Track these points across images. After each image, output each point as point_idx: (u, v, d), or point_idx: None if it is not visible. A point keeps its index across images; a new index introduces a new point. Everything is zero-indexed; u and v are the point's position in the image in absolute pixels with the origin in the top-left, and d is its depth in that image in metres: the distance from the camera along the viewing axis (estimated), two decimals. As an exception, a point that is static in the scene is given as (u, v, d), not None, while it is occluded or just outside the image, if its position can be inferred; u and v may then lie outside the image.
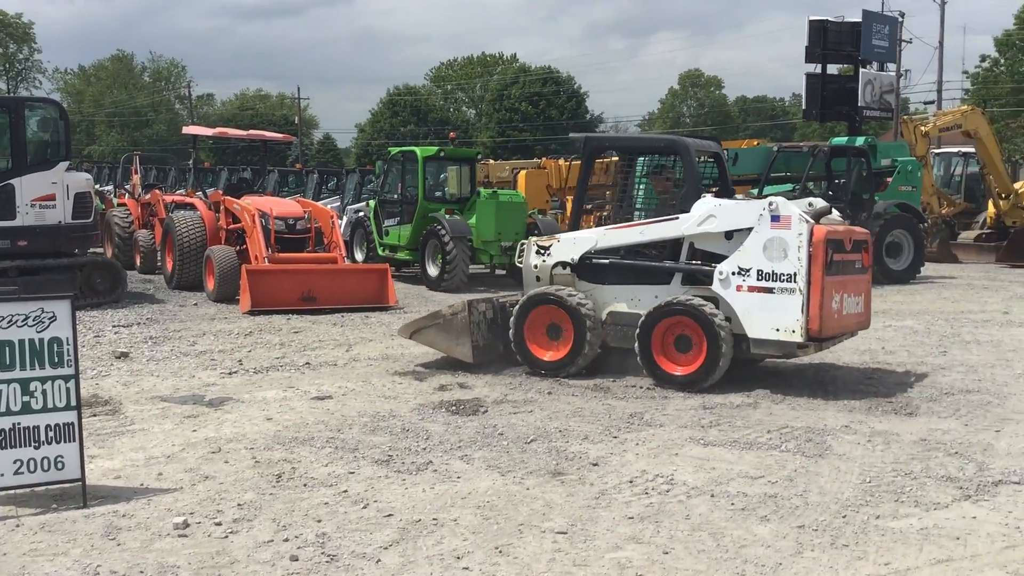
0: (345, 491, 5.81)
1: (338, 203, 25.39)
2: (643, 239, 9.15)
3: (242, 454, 6.60)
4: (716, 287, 8.62)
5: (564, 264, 9.43)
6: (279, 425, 7.40)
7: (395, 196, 18.75)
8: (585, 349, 9.08)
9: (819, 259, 8.23)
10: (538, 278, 9.58)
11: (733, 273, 8.52)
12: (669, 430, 7.36)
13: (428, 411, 7.88)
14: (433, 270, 17.29)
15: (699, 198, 8.96)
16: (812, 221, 8.31)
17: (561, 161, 22.39)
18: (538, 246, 9.61)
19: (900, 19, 40.52)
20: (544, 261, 9.52)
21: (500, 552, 4.90)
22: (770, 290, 8.35)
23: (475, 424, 7.46)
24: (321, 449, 6.72)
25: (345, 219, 20.82)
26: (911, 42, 45.44)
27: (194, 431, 7.22)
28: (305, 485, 5.93)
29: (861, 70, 33.58)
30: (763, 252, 8.38)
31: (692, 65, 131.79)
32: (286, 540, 5.02)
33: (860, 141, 21.22)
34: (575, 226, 9.77)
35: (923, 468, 6.40)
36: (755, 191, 19.08)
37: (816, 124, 57.76)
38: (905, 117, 26.63)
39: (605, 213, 19.76)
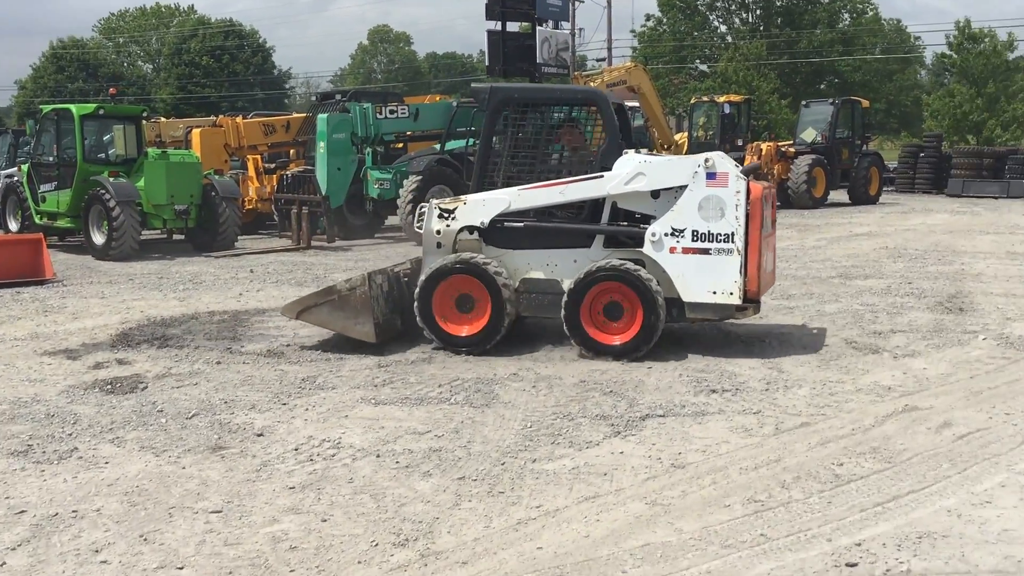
0: (-31, 491, 5.20)
1: (-11, 167, 22.91)
2: (564, 199, 8.42)
3: None
4: (647, 249, 8.13)
5: (471, 229, 8.65)
6: None
7: (51, 158, 17.13)
8: (505, 321, 8.35)
9: (756, 218, 7.98)
10: (439, 245, 8.67)
11: (666, 234, 8.05)
12: (341, 392, 7.23)
13: (79, 392, 7.25)
14: (99, 238, 16.01)
15: (620, 154, 8.38)
16: (747, 178, 8.08)
17: (239, 119, 21.47)
18: (441, 210, 8.66)
19: (572, -21, 42.31)
20: (448, 226, 8.62)
21: (145, 540, 4.58)
22: (706, 251, 7.98)
23: (131, 402, 6.96)
24: (-56, 446, 5.98)
25: (-6, 185, 18.81)
26: (584, 2, 47.75)
27: None
28: (-80, 489, 5.24)
29: (538, 28, 34.70)
30: (698, 211, 7.97)
31: (381, 20, 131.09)
32: None
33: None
34: (479, 188, 8.79)
35: (580, 408, 6.71)
36: (438, 146, 19.32)
37: (502, 80, 59.71)
38: (576, 73, 27.97)
39: (289, 172, 19.29)
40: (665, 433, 6.16)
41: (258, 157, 20.64)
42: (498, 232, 8.60)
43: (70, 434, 6.22)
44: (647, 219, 8.27)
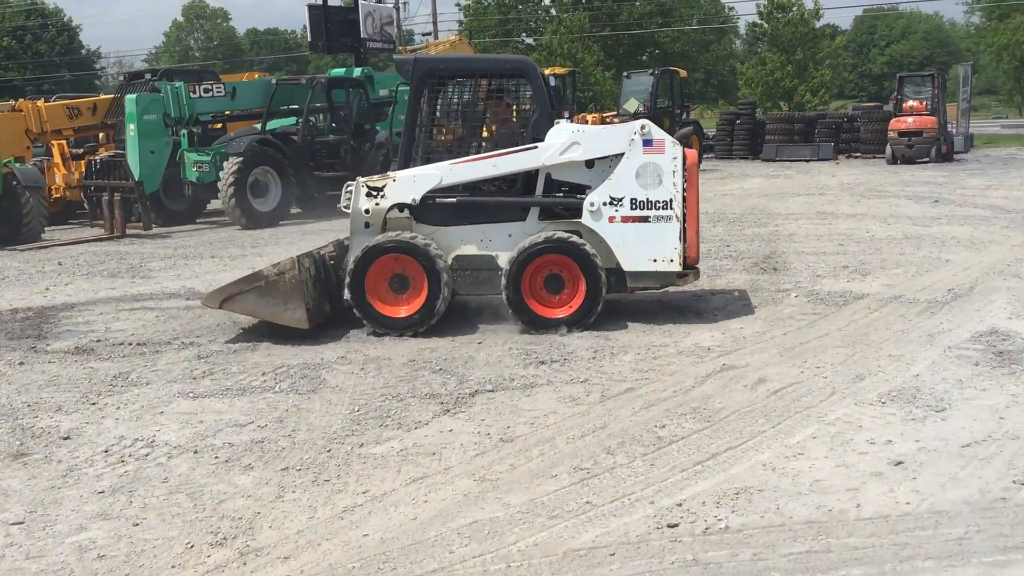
0: None
1: None
2: (497, 172, 8.23)
3: None
4: (586, 219, 8.05)
5: (402, 206, 8.30)
6: None
7: None
8: (442, 299, 8.08)
9: (693, 183, 8.04)
10: (368, 224, 8.32)
11: (605, 203, 7.99)
12: (157, 387, 6.88)
13: None
14: None
15: (552, 124, 8.24)
16: (682, 144, 8.06)
17: (40, 102, 20.14)
18: (369, 188, 8.26)
19: (393, -48, 41.71)
20: (377, 204, 8.25)
21: (-66, 562, 4.21)
22: (645, 219, 7.96)
23: (-79, 413, 6.40)
24: None
25: None
26: (406, -25, 47.13)
27: None
28: None
29: (361, 2, 34.05)
30: (636, 179, 7.94)
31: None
32: None
33: (357, 72, 21.59)
34: (405, 164, 8.42)
35: (409, 388, 6.61)
36: (259, 126, 18.72)
37: (328, 56, 58.34)
38: (402, 47, 27.60)
39: (99, 157, 18.25)
40: (494, 408, 6.14)
41: (63, 142, 19.41)
42: (429, 209, 8.32)
43: None
44: (579, 189, 8.24)
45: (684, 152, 8.07)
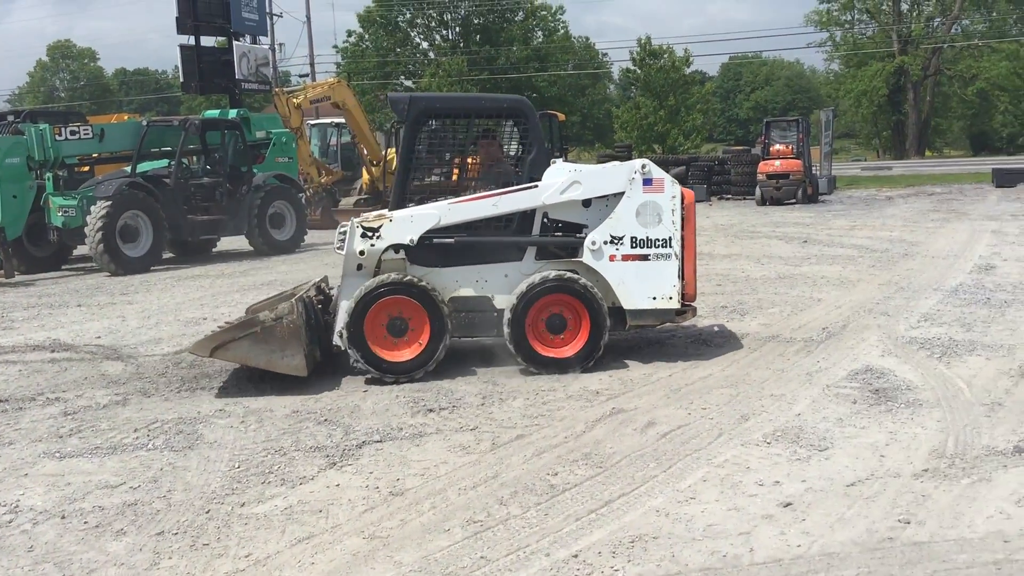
0: None
1: None
2: (497, 212, 8.08)
3: None
4: (587, 258, 8.03)
5: (398, 247, 8.02)
6: None
7: None
8: (445, 341, 7.89)
9: (691, 222, 8.14)
10: (360, 266, 8.05)
11: (606, 242, 8.01)
12: (20, 447, 6.46)
13: None
14: None
15: (548, 164, 8.23)
16: (679, 183, 8.12)
17: None
18: (364, 228, 7.98)
19: (268, -7, 41.29)
20: (373, 246, 7.98)
21: None
22: (645, 257, 8.02)
23: None
24: None
25: None
26: (282, 16, 46.79)
27: None
28: None
29: (235, 43, 33.51)
30: (636, 218, 8.00)
31: (63, 35, 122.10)
32: None
33: (232, 114, 21.17)
34: (400, 204, 8.15)
35: (293, 442, 6.38)
36: (129, 168, 18.10)
37: (202, 97, 57.08)
38: (277, 89, 27.11)
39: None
40: (383, 459, 5.97)
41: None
42: (423, 249, 8.13)
43: None
44: (572, 228, 8.24)
45: (682, 191, 8.22)
